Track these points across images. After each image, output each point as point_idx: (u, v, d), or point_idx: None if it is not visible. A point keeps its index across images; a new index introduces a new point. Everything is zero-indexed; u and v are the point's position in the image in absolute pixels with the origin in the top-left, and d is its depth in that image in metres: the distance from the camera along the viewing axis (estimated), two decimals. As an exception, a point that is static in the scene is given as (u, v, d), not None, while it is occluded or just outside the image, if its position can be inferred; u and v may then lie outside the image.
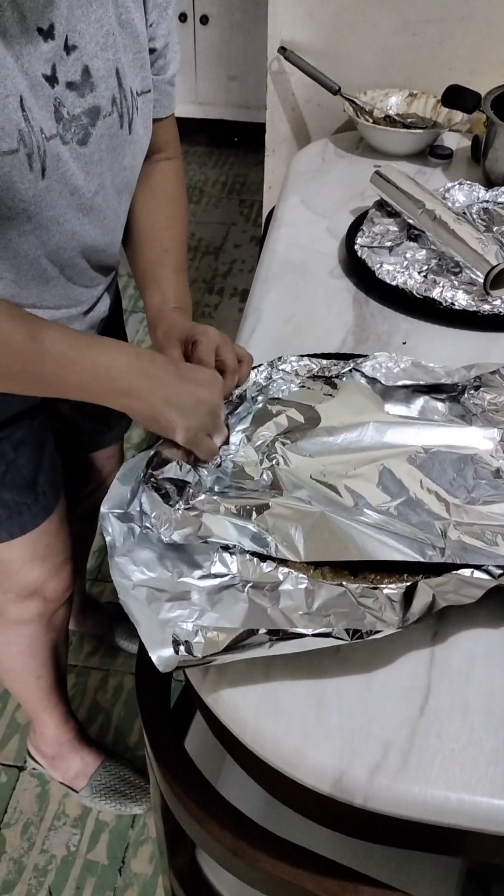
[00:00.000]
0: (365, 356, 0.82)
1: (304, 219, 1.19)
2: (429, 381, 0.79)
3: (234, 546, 0.61)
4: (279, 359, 0.83)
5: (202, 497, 0.66)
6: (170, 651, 0.55)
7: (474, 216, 1.07)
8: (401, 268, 1.01)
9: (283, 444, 0.73)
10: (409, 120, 1.39)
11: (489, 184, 1.20)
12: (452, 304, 0.95)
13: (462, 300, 0.95)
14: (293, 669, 0.58)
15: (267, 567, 0.60)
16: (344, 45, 1.46)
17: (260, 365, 0.82)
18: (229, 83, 3.18)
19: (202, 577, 0.60)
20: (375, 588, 0.58)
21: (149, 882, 1.26)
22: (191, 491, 0.67)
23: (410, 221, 1.05)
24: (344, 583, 0.59)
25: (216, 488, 0.69)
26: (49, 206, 0.71)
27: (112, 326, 0.99)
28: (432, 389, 0.79)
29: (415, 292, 0.97)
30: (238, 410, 0.78)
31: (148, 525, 0.64)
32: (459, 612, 0.60)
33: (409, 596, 0.57)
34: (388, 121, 1.39)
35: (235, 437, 0.74)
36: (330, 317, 0.98)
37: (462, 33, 1.40)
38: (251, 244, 2.82)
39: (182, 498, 0.65)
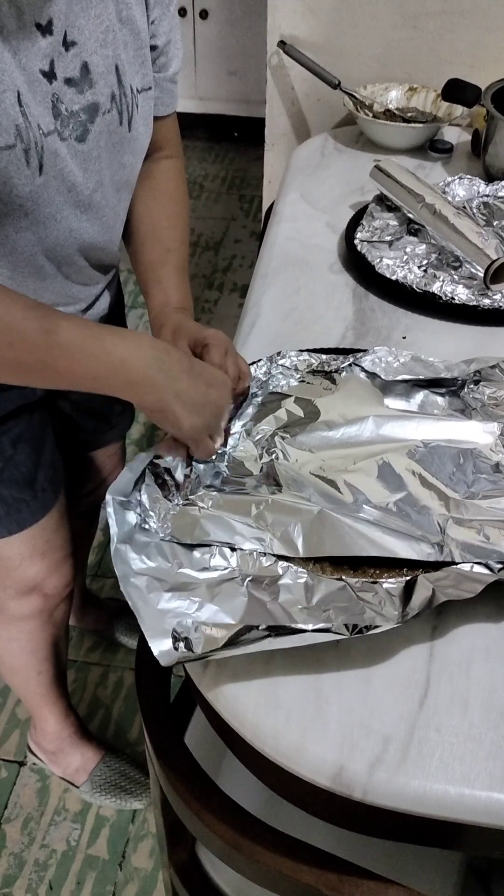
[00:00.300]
0: (365, 351, 0.82)
1: (303, 213, 1.18)
2: (428, 375, 0.79)
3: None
4: (279, 354, 0.82)
5: (201, 492, 0.66)
6: (169, 643, 0.55)
7: (474, 210, 1.07)
8: (401, 262, 1.00)
9: (283, 438, 0.73)
10: (409, 114, 1.39)
11: (489, 178, 1.20)
12: (452, 298, 0.95)
13: (462, 294, 0.95)
14: (293, 664, 0.58)
15: (266, 561, 0.60)
16: (344, 39, 1.46)
17: (259, 360, 0.82)
18: (229, 78, 3.17)
19: (202, 570, 0.60)
20: (375, 582, 0.58)
21: (149, 876, 1.26)
22: (189, 486, 0.67)
23: (410, 216, 1.05)
24: (343, 577, 0.59)
25: (215, 483, 0.69)
26: (46, 202, 0.71)
27: (113, 324, 0.98)
28: (432, 384, 0.79)
29: (415, 287, 0.97)
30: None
31: (146, 520, 0.64)
32: (459, 606, 0.60)
33: (408, 590, 0.57)
34: (388, 115, 1.39)
35: (235, 432, 0.74)
36: (330, 312, 0.97)
37: (462, 27, 1.40)
38: (251, 239, 2.81)
39: (180, 493, 0.65)
